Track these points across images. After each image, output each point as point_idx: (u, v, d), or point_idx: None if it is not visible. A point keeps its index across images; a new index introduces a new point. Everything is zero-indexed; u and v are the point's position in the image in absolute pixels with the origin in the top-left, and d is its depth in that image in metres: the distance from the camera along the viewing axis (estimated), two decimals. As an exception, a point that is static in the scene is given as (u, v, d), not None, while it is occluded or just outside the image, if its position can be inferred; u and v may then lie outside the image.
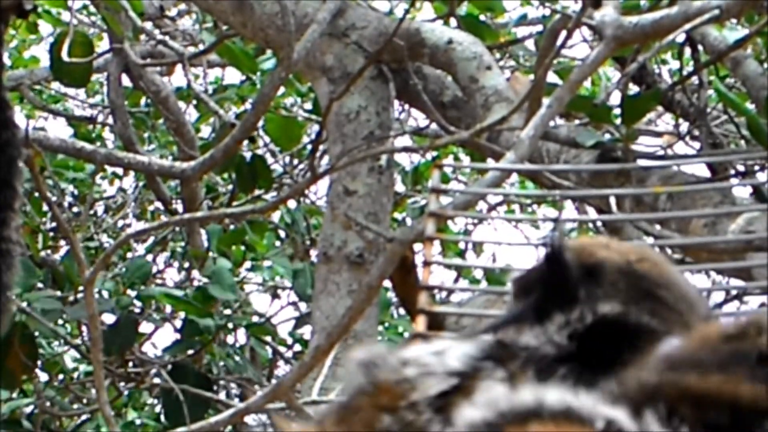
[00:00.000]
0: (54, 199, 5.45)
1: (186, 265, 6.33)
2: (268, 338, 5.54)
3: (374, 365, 1.34)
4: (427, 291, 2.19)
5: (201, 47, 5.18)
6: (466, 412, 1.20)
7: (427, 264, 2.31)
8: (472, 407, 1.20)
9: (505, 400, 1.18)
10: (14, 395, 5.46)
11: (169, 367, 4.86)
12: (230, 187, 5.95)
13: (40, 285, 5.00)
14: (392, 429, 1.28)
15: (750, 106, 4.14)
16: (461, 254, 6.63)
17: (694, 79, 4.45)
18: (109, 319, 4.85)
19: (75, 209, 6.65)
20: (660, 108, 5.21)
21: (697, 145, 4.52)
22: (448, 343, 1.35)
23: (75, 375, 6.01)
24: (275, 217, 6.22)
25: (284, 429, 1.40)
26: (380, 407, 1.30)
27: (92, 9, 6.18)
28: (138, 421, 5.92)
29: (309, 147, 4.94)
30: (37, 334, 4.64)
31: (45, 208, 6.12)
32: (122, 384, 5.44)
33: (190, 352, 4.91)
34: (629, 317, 1.35)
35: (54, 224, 6.21)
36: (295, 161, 6.15)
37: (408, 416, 1.29)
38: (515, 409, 1.17)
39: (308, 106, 5.94)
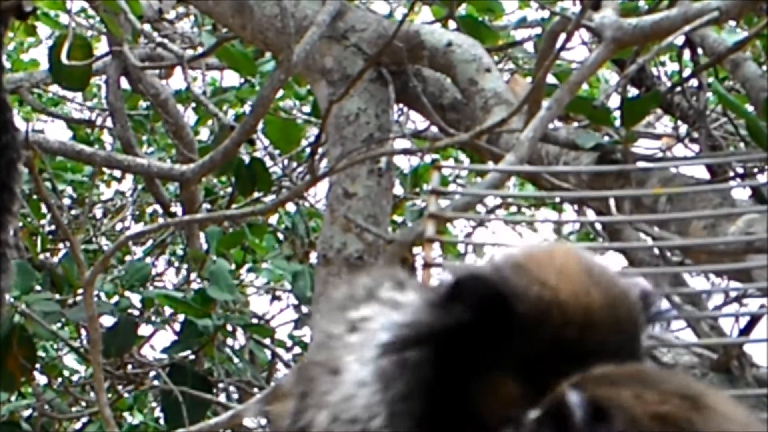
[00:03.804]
0: (53, 201, 5.45)
1: (185, 267, 6.32)
2: (267, 341, 5.53)
3: None
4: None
5: (200, 50, 5.18)
6: None
7: (427, 266, 2.30)
8: None
9: None
10: (12, 399, 5.44)
11: (168, 369, 4.86)
12: (229, 189, 5.94)
13: (38, 287, 5.00)
14: None
15: (749, 108, 4.14)
16: (461, 256, 6.61)
17: (694, 82, 4.45)
18: (108, 321, 4.85)
19: (73, 212, 6.64)
20: (659, 110, 5.21)
21: (696, 147, 4.51)
22: None
23: (74, 378, 6.00)
24: (273, 219, 6.21)
25: None
26: None
27: (90, 11, 6.18)
28: (136, 421, 5.91)
29: (308, 149, 4.94)
30: (36, 336, 4.63)
31: (44, 209, 6.12)
32: (121, 387, 5.43)
33: (190, 353, 4.91)
34: None
35: (53, 227, 6.20)
36: (294, 164, 6.14)
37: None
38: None
39: (307, 108, 5.93)
